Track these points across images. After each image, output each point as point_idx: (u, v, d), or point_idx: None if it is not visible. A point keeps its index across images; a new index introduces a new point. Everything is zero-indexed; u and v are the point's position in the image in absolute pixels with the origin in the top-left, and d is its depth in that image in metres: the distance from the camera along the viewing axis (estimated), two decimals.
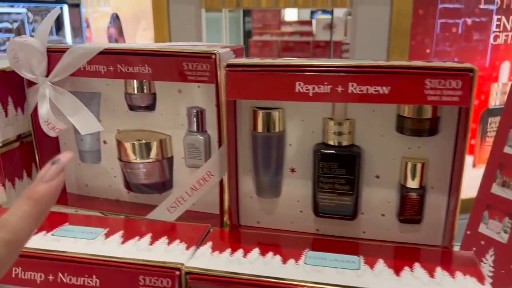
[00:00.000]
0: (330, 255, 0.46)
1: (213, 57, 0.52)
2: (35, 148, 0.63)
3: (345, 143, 0.49)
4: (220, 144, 0.55)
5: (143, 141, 0.60)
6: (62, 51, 0.57)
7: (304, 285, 0.41)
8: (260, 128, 0.51)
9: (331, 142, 0.49)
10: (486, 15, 2.01)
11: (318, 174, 0.50)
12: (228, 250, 0.47)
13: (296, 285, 0.41)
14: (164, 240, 0.50)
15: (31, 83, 0.61)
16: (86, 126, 0.57)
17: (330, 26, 3.38)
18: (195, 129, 0.58)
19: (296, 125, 0.51)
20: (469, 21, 2.07)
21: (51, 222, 0.55)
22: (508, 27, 1.92)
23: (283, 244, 0.49)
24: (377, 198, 0.51)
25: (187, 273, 0.44)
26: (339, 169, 0.49)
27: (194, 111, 0.58)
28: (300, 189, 0.53)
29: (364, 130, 0.49)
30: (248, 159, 0.54)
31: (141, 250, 0.47)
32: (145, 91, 0.59)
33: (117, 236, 0.51)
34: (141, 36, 2.18)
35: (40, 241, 0.49)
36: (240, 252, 0.47)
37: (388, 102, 0.43)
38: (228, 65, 0.48)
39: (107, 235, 0.51)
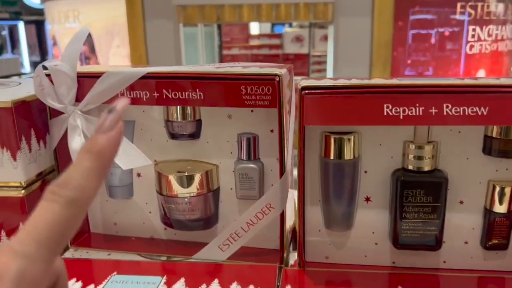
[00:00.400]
0: None
1: (277, 79, 0.47)
2: None
3: (428, 168, 0.45)
4: (281, 174, 0.50)
5: (188, 173, 0.54)
6: (95, 76, 0.51)
7: None
8: (332, 154, 0.47)
9: (412, 167, 0.46)
10: (459, 25, 2.07)
11: (400, 202, 0.46)
12: None
13: None
14: (236, 286, 0.44)
15: (55, 113, 0.54)
16: (129, 160, 0.51)
17: (316, 39, 3.41)
18: (247, 157, 0.53)
19: (372, 150, 0.47)
20: (442, 31, 2.12)
21: (96, 273, 0.48)
22: (482, 37, 1.98)
23: (363, 283, 0.45)
24: (461, 224, 0.47)
25: None
26: (425, 196, 0.45)
27: (247, 137, 0.53)
28: (375, 219, 0.49)
29: (448, 153, 0.46)
30: (316, 188, 0.49)
31: None
32: (189, 117, 0.54)
33: (180, 285, 0.45)
34: (115, 54, 2.10)
35: None
36: None
37: (487, 124, 0.40)
38: (304, 88, 0.43)
39: (169, 285, 0.45)
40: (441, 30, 2.13)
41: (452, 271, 0.48)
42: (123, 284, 0.45)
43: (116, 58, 2.09)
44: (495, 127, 0.44)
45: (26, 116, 0.52)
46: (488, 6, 1.99)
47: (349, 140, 0.46)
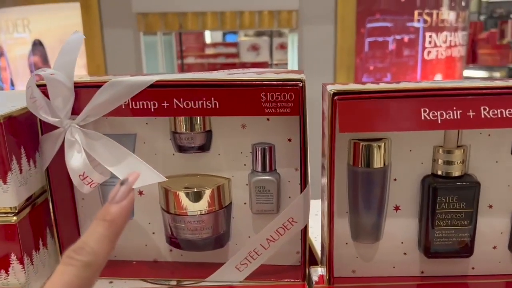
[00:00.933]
0: None
1: (300, 85, 0.44)
2: (51, 210, 0.50)
3: (458, 173, 0.44)
4: (304, 185, 0.47)
5: (197, 188, 0.50)
6: (95, 85, 0.46)
7: None
8: (362, 163, 0.44)
9: (442, 173, 0.44)
10: (415, 32, 2.14)
11: (433, 210, 0.44)
12: None
13: None
14: None
15: (47, 128, 0.48)
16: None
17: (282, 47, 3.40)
18: (263, 169, 0.50)
19: (402, 157, 0.45)
20: (399, 38, 2.19)
21: None
22: (438, 43, 2.06)
23: None
24: (489, 229, 0.47)
25: None
26: (458, 202, 0.44)
27: (262, 148, 0.49)
28: (405, 228, 0.47)
29: (477, 157, 0.45)
30: (342, 199, 0.47)
31: None
32: (199, 128, 0.50)
33: None
34: None
35: None
36: None
37: None
38: (336, 94, 0.41)
39: None
40: (398, 37, 2.20)
41: (480, 278, 0.47)
42: None
43: None
44: None
45: (15, 133, 0.46)
46: (441, 14, 2.07)
47: (379, 147, 0.44)
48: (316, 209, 0.54)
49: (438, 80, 0.41)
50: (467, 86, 0.40)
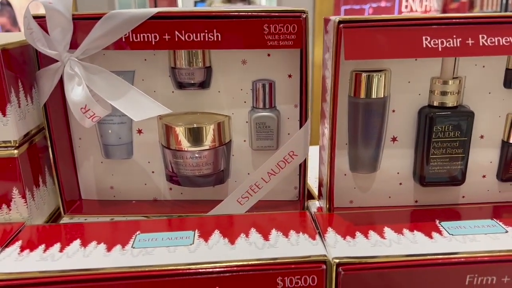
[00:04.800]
0: (468, 223, 0.43)
1: (303, 16, 0.45)
2: (50, 148, 0.49)
3: (452, 103, 0.46)
4: (305, 119, 0.48)
5: (198, 125, 0.50)
6: (94, 18, 0.45)
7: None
8: (363, 93, 0.45)
9: (438, 103, 0.46)
10: (390, 0, 2.17)
11: (429, 139, 0.46)
12: (359, 234, 0.42)
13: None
14: (276, 232, 0.42)
15: (44, 63, 0.47)
16: (140, 111, 0.46)
17: None
18: (263, 106, 0.51)
19: (401, 89, 0.47)
20: (375, 6, 2.20)
21: (115, 234, 0.43)
22: (414, 8, 2.08)
23: (392, 220, 0.45)
24: (480, 159, 0.49)
25: (338, 264, 0.37)
26: (453, 131, 0.46)
27: (263, 84, 0.50)
28: (401, 159, 0.49)
29: (471, 88, 0.47)
30: (342, 132, 0.48)
31: (265, 248, 0.39)
32: (199, 64, 0.50)
33: (217, 237, 0.42)
34: None
35: (129, 259, 0.38)
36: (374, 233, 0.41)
37: None
38: (341, 22, 0.41)
39: (205, 237, 0.41)
40: (374, 5, 2.22)
41: (470, 205, 0.50)
42: (154, 242, 0.41)
43: None
44: None
45: (11, 66, 0.45)
46: None
47: (379, 77, 0.45)
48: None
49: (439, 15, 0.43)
50: (466, 15, 0.41)
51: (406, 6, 2.05)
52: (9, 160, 0.44)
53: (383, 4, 2.23)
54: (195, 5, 4.27)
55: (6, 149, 0.44)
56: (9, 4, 1.92)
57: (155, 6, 2.63)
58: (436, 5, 2.22)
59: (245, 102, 0.51)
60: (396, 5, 2.24)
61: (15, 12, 1.93)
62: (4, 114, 0.44)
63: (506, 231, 0.41)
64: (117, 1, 1.84)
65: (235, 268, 0.37)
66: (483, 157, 0.49)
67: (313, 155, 0.52)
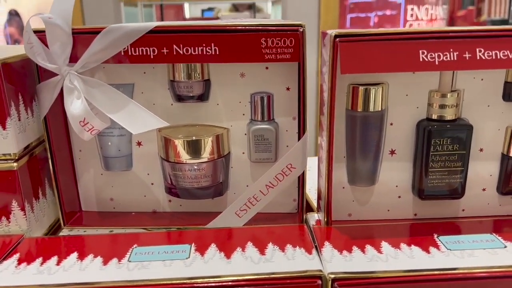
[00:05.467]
0: (467, 237, 0.43)
1: (300, 30, 0.45)
2: (50, 160, 0.50)
3: (451, 116, 0.46)
4: (303, 132, 0.48)
5: (197, 137, 0.50)
6: (93, 32, 0.45)
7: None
8: (360, 107, 0.45)
9: (437, 117, 0.46)
10: (396, 8, 2.16)
11: (427, 152, 0.46)
12: (356, 249, 0.41)
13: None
14: (272, 246, 0.42)
15: (44, 77, 0.48)
16: (138, 124, 0.46)
17: None
18: (262, 118, 0.51)
19: (398, 101, 0.47)
20: (381, 14, 2.20)
21: (111, 247, 0.43)
22: (420, 16, 2.08)
23: (390, 234, 0.44)
24: (480, 172, 0.49)
25: (334, 280, 0.37)
26: (451, 145, 0.46)
27: (261, 97, 0.50)
28: (400, 172, 0.49)
29: (470, 101, 0.47)
30: (339, 145, 0.48)
31: (261, 262, 0.39)
32: (197, 77, 0.50)
33: (214, 251, 0.42)
34: None
35: (124, 273, 0.38)
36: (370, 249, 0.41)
37: None
38: (338, 36, 0.41)
39: (201, 251, 0.41)
40: (379, 13, 2.22)
41: (470, 219, 0.49)
42: (150, 255, 0.41)
43: None
44: None
45: (12, 80, 0.45)
46: None
47: (377, 90, 0.45)
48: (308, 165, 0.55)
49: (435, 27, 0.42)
50: (463, 29, 0.41)
51: (412, 15, 2.05)
52: (8, 173, 0.45)
53: (388, 12, 2.24)
54: (202, 14, 4.31)
55: (5, 162, 0.45)
56: (17, 14, 1.95)
57: (161, 15, 2.66)
58: (442, 13, 2.22)
59: (243, 114, 0.51)
60: (402, 13, 2.24)
61: (23, 22, 1.96)
62: (4, 128, 0.45)
63: (505, 246, 0.41)
64: (123, 11, 1.85)
65: (230, 283, 0.37)
66: (483, 170, 0.49)
67: (315, 166, 0.52)
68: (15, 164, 0.45)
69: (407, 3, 2.12)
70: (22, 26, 1.97)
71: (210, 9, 3.87)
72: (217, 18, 3.48)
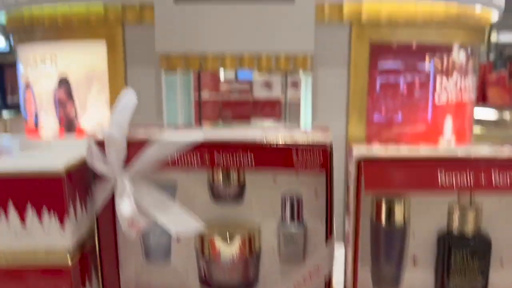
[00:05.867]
0: None
1: (328, 149, 0.50)
2: (98, 254, 0.55)
3: (472, 231, 0.49)
4: (330, 234, 0.52)
5: (231, 235, 0.55)
6: (143, 143, 0.51)
7: None
8: (384, 220, 0.49)
9: (457, 230, 0.49)
10: (426, 75, 2.21)
11: (447, 266, 0.48)
12: None
13: None
14: None
15: (99, 177, 0.54)
16: (179, 226, 0.51)
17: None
18: (291, 219, 0.55)
19: (420, 213, 0.50)
20: (410, 80, 2.25)
21: None
22: (448, 87, 2.12)
23: None
24: (501, 284, 0.51)
25: None
26: (472, 260, 0.48)
27: (291, 199, 0.55)
28: (422, 279, 0.51)
29: (489, 215, 0.50)
30: (364, 249, 0.51)
31: None
32: (234, 182, 0.55)
33: None
34: (94, 99, 2.08)
35: None
36: None
37: None
38: (361, 159, 0.46)
39: None
40: (409, 79, 2.27)
41: None
42: None
43: (95, 104, 2.06)
44: None
45: (73, 181, 0.52)
46: (452, 56, 2.14)
47: (400, 205, 0.49)
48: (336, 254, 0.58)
49: (452, 148, 0.46)
50: (480, 156, 0.45)
51: (441, 85, 2.09)
52: (63, 271, 0.49)
53: (417, 79, 2.28)
54: (236, 77, 4.44)
55: (61, 259, 0.50)
56: (67, 81, 2.10)
57: (199, 84, 2.79)
58: (471, 84, 2.25)
59: (274, 215, 0.56)
60: (431, 81, 2.28)
61: (71, 87, 2.11)
62: (62, 227, 0.50)
63: None
64: (163, 81, 1.97)
65: None
66: (503, 282, 0.50)
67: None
68: (70, 262, 0.50)
69: (436, 73, 2.16)
70: (70, 91, 2.12)
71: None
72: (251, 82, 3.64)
